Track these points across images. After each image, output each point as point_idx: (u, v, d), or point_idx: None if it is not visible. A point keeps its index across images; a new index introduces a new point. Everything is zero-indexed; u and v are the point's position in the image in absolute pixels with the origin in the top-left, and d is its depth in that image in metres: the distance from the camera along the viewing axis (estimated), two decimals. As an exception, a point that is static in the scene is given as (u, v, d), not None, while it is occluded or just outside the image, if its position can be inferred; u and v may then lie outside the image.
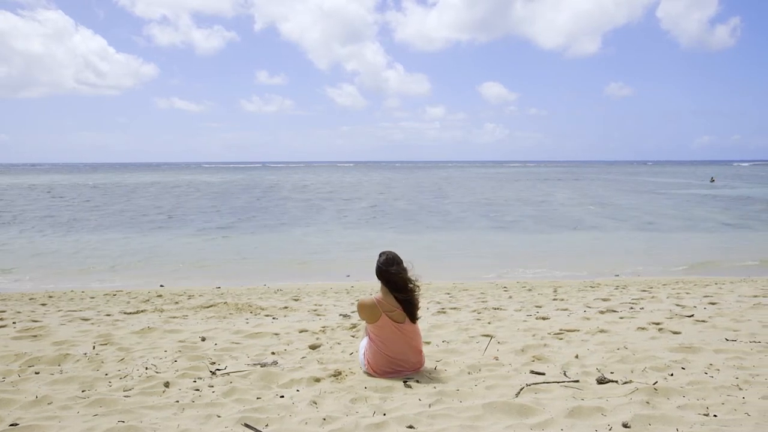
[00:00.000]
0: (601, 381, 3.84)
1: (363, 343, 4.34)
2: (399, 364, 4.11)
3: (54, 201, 35.68)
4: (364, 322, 4.36)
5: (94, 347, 5.13)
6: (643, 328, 5.85)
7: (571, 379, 3.89)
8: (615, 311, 7.15)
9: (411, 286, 4.13)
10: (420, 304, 4.29)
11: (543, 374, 4.09)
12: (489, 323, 6.34)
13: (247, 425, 3.05)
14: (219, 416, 3.27)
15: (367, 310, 4.14)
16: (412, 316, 4.14)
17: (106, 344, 5.29)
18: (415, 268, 4.25)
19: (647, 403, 3.30)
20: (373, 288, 10.14)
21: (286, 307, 8.23)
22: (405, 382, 3.94)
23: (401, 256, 4.25)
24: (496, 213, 27.50)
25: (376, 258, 4.26)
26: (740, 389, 3.58)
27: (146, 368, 4.37)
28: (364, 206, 31.98)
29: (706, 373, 4.00)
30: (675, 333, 5.61)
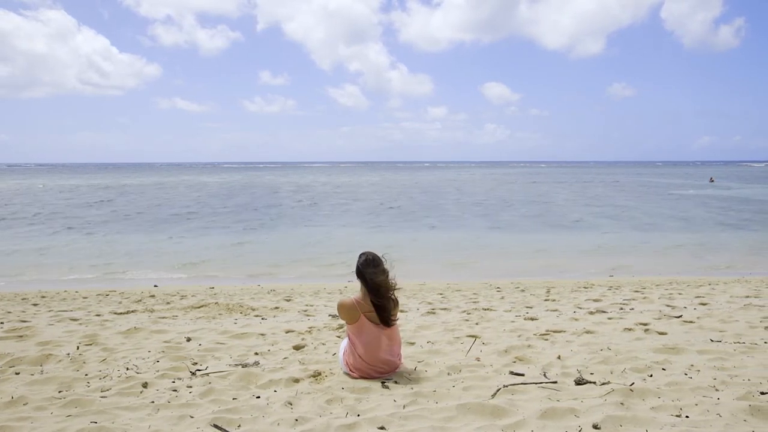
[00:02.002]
0: (579, 382, 3.83)
1: (343, 344, 4.34)
2: (378, 365, 4.10)
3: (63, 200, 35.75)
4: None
5: (78, 348, 5.13)
6: (629, 329, 5.83)
7: (549, 380, 3.88)
8: (604, 312, 7.14)
9: (386, 290, 4.10)
10: (398, 308, 4.25)
11: (522, 375, 4.08)
12: (477, 324, 6.32)
13: (216, 426, 3.05)
14: (192, 417, 3.27)
15: (346, 311, 4.14)
16: (385, 321, 4.11)
17: (90, 344, 5.29)
18: (395, 269, 4.23)
19: (621, 404, 3.29)
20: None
21: (276, 308, 8.22)
22: (383, 383, 3.93)
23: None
24: (493, 213, 27.51)
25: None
26: (717, 390, 3.57)
27: (127, 369, 4.37)
28: (362, 206, 31.99)
29: (685, 374, 3.99)
30: (661, 334, 5.59)
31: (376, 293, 4.10)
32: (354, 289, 10.67)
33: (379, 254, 4.21)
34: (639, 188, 50.05)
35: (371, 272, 4.11)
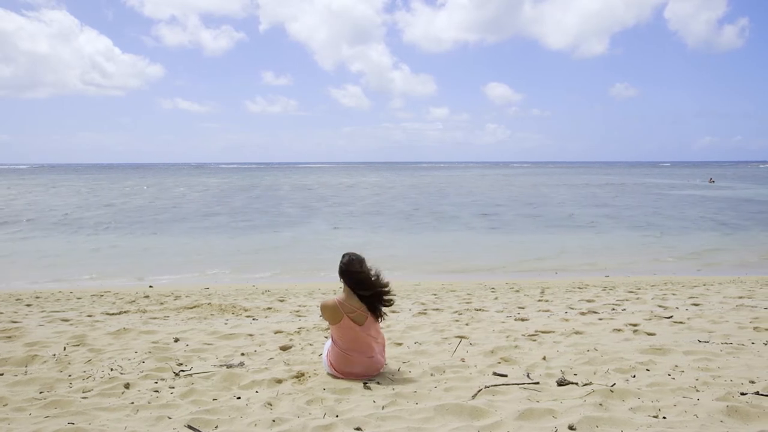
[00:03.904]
0: (561, 383, 3.82)
1: (327, 345, 4.33)
2: (360, 365, 4.10)
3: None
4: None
5: (64, 348, 5.13)
6: (619, 330, 5.82)
7: (531, 381, 3.88)
8: (596, 312, 7.12)
9: (376, 280, 4.11)
10: (386, 301, 4.24)
11: (505, 376, 4.07)
12: (467, 324, 6.31)
13: (190, 427, 3.05)
14: (170, 418, 3.27)
15: (329, 312, 4.14)
16: (376, 313, 4.12)
17: (78, 345, 5.29)
18: (381, 269, 4.23)
19: (600, 405, 3.28)
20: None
21: (269, 308, 8.22)
22: (365, 383, 3.93)
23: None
24: (492, 214, 27.49)
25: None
26: (697, 391, 3.55)
27: (111, 369, 4.37)
28: (362, 207, 32.01)
29: (669, 375, 3.98)
30: (650, 334, 5.58)
31: (367, 287, 4.10)
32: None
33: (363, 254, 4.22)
34: (639, 189, 50.00)
35: (355, 272, 4.12)
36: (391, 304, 4.23)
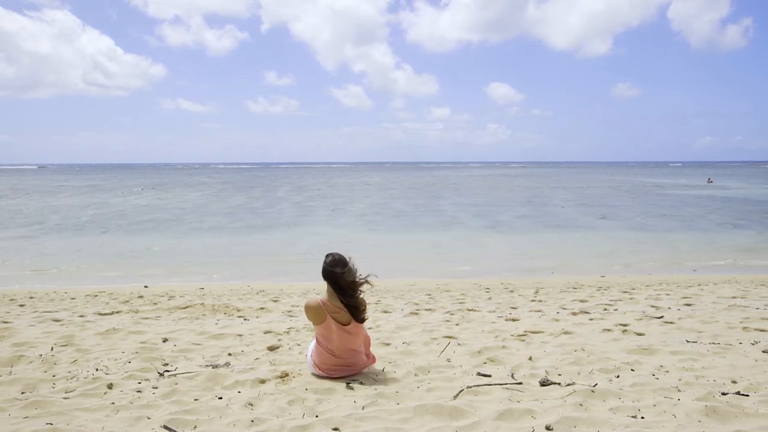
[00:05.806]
0: (544, 383, 3.82)
1: (311, 345, 4.33)
2: (344, 366, 4.10)
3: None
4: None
5: (52, 349, 5.13)
6: (608, 330, 5.82)
7: (514, 381, 3.87)
8: (587, 313, 7.11)
9: (354, 290, 4.11)
10: (365, 307, 4.25)
11: (489, 376, 4.06)
12: (457, 325, 6.31)
13: (166, 427, 3.04)
14: (149, 418, 3.26)
15: (312, 312, 4.14)
16: (357, 318, 4.12)
17: (66, 345, 5.28)
18: (361, 270, 4.22)
19: (580, 405, 3.27)
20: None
21: (262, 308, 8.22)
22: (348, 383, 3.92)
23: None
24: (490, 213, 27.48)
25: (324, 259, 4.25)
26: (679, 391, 3.55)
27: (96, 369, 4.36)
28: (361, 207, 32.02)
29: (653, 375, 3.97)
30: (639, 335, 5.57)
31: (345, 293, 4.10)
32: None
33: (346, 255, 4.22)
34: (638, 189, 49.97)
35: (339, 272, 4.11)
36: (365, 320, 4.20)
